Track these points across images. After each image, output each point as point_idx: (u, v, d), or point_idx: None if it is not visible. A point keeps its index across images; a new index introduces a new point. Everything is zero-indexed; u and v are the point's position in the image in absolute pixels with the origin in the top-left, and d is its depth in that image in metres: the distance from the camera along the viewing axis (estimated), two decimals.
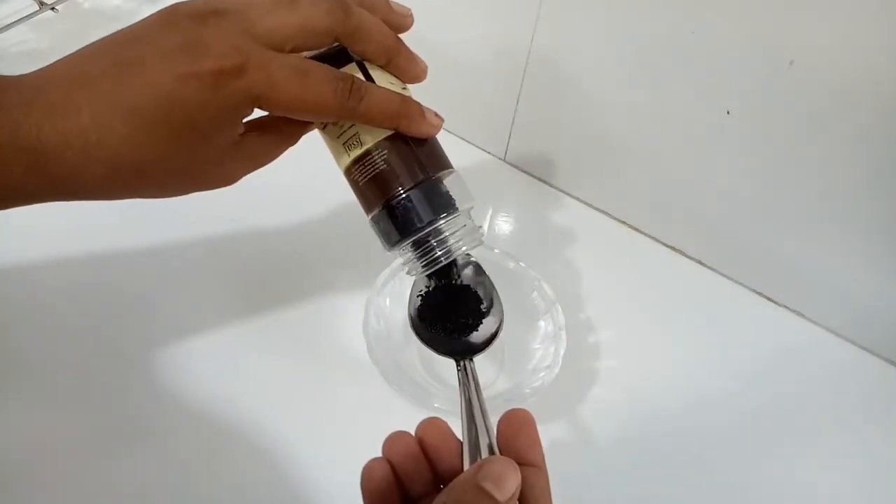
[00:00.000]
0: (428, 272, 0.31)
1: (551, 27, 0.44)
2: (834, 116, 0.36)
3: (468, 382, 0.30)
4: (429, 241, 0.30)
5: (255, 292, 0.46)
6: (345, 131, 0.29)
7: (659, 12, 0.39)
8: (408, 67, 0.29)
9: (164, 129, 0.24)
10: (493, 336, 0.35)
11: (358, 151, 0.28)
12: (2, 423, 0.38)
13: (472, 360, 0.33)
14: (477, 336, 0.35)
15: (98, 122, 0.23)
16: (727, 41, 0.37)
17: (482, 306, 0.35)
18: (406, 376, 0.39)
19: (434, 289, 0.35)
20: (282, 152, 0.30)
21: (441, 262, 0.30)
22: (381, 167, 0.28)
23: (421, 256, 0.30)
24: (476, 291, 0.35)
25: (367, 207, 0.30)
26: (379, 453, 0.26)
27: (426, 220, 0.29)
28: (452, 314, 0.34)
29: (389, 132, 0.28)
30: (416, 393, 0.38)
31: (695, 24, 0.38)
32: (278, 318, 0.44)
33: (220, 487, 0.37)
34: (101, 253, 0.47)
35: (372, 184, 0.29)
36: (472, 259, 0.35)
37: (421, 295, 0.36)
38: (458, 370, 0.32)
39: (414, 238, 0.30)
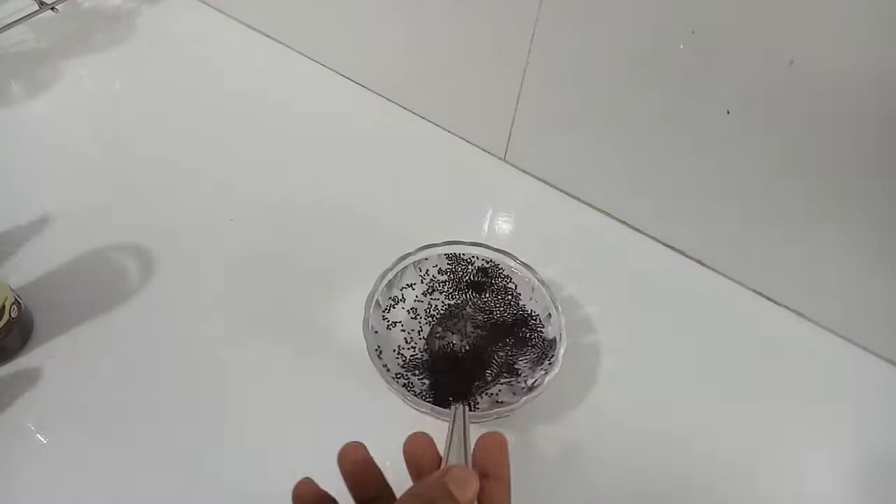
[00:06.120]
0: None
1: (551, 27, 0.44)
2: (834, 116, 0.36)
3: (462, 420, 0.32)
4: None
5: (253, 292, 0.46)
6: None
7: (659, 12, 0.39)
8: None
9: None
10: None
11: None
12: None
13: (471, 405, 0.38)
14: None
15: None
16: (727, 41, 0.37)
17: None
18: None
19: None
20: None
21: None
22: None
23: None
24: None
25: None
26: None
27: None
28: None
29: None
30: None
31: (695, 24, 0.38)
32: (278, 316, 0.44)
33: (218, 483, 0.37)
34: (96, 249, 0.47)
35: None
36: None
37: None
38: (453, 407, 0.35)
39: None
